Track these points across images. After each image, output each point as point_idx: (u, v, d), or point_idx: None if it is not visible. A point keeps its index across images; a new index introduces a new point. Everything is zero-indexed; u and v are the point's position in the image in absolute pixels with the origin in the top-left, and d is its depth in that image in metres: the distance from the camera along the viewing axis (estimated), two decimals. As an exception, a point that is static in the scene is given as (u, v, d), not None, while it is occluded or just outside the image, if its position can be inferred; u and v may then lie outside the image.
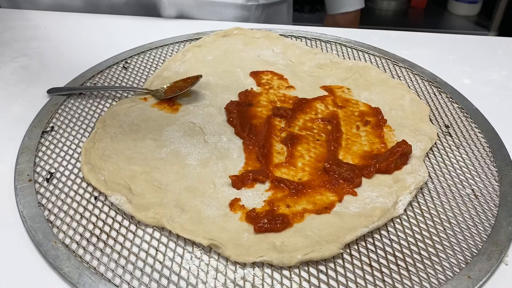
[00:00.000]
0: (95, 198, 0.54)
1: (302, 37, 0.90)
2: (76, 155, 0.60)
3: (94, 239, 0.49)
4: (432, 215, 0.53)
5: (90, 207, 0.53)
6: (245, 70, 0.78)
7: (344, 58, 0.84)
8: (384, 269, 0.47)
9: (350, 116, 0.67)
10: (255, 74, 0.77)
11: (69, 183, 0.56)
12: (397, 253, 0.48)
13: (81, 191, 0.55)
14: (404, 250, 0.49)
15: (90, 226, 0.50)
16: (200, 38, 0.88)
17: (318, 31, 0.91)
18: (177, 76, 0.75)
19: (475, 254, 0.48)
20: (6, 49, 0.84)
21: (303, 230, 0.50)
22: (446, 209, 0.54)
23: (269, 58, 0.82)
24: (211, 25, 0.93)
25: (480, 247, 0.49)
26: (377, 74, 0.77)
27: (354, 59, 0.83)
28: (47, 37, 0.87)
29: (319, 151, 0.61)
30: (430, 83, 0.78)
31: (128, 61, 0.81)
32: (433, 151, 0.63)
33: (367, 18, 1.73)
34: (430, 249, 0.49)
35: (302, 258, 0.46)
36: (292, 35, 0.90)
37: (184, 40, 0.88)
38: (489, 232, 0.51)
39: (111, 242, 0.49)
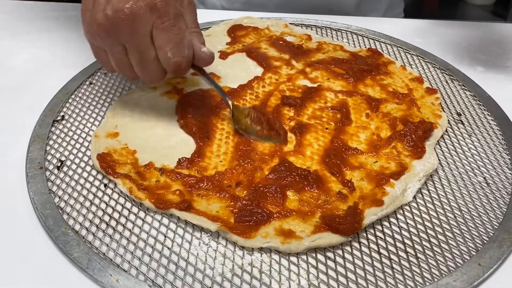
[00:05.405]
0: (105, 185, 0.54)
1: (313, 25, 0.89)
2: (86, 144, 0.60)
3: (103, 226, 0.49)
4: (443, 202, 0.53)
5: (99, 194, 0.53)
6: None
7: (355, 46, 0.83)
8: (392, 256, 0.46)
9: (360, 104, 0.66)
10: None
11: (79, 170, 0.56)
12: (406, 240, 0.48)
13: (91, 178, 0.55)
14: (413, 237, 0.48)
15: (100, 213, 0.51)
16: (209, 27, 0.87)
17: (329, 19, 0.90)
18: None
19: (486, 242, 0.48)
20: (18, 40, 0.85)
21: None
22: (456, 197, 0.53)
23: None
24: (221, 15, 0.92)
25: (491, 234, 0.49)
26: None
27: (365, 47, 0.82)
28: (58, 28, 0.88)
29: (328, 140, 0.60)
30: (442, 71, 0.76)
31: (138, 51, 0.81)
32: (444, 139, 0.62)
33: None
34: (439, 236, 0.48)
35: (310, 244, 0.46)
36: (302, 24, 0.90)
37: (194, 30, 0.88)
38: (501, 219, 0.50)
39: (120, 228, 0.49)
